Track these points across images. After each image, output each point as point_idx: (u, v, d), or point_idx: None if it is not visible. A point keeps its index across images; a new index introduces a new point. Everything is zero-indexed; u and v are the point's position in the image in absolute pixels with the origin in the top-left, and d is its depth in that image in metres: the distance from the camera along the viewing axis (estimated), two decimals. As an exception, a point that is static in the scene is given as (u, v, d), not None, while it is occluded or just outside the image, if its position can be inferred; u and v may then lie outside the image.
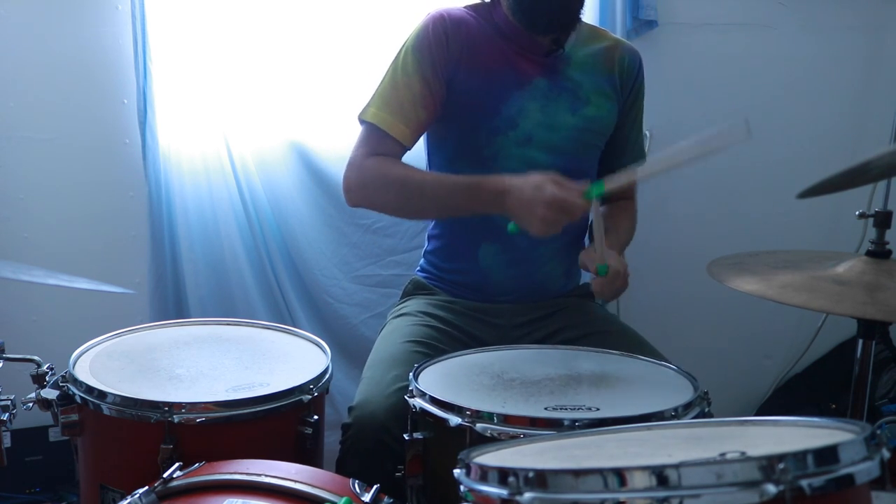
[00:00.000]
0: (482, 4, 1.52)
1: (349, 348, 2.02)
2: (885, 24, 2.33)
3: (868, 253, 1.32)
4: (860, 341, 1.38)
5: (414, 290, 1.62)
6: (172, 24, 1.85)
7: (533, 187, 1.24)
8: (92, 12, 1.85)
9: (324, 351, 1.38)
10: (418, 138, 1.48)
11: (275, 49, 1.94)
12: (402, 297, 1.64)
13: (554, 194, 1.21)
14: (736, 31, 2.25)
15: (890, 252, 1.32)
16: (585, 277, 1.72)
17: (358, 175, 1.42)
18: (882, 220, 1.34)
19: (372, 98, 1.46)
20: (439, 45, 1.43)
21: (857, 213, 1.45)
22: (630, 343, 1.43)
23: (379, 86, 1.46)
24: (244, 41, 1.92)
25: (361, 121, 1.45)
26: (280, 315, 1.98)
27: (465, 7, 1.52)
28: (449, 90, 1.45)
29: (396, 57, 1.46)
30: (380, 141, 1.42)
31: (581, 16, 1.46)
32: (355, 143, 1.45)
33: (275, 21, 1.93)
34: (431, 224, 1.64)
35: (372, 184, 1.41)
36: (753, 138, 2.39)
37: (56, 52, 1.84)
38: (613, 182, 1.25)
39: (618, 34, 1.83)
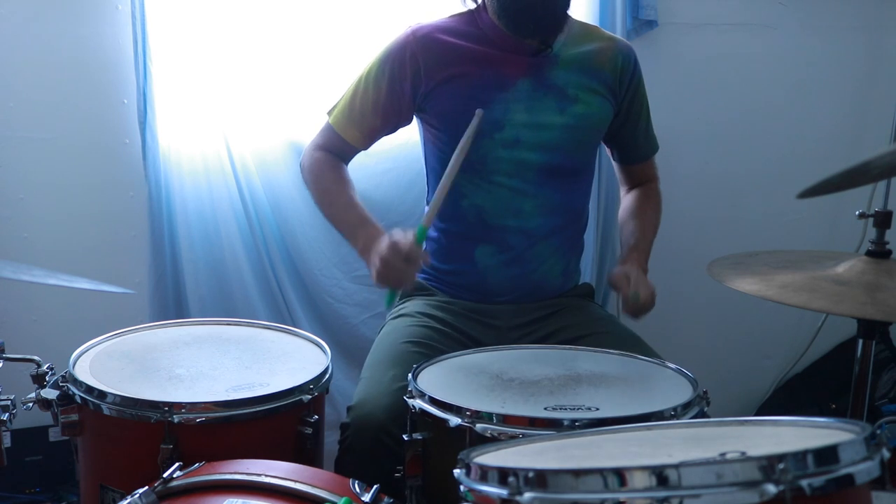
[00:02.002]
0: (467, 11, 1.54)
1: (349, 348, 2.02)
2: (885, 24, 2.33)
3: (868, 253, 1.32)
4: (860, 341, 1.38)
5: (412, 291, 1.62)
6: (172, 24, 1.85)
7: (379, 245, 1.34)
8: (92, 12, 1.85)
9: (324, 351, 1.38)
10: (373, 141, 1.59)
11: (275, 49, 1.94)
12: (400, 298, 1.64)
13: (389, 241, 1.31)
14: (736, 31, 2.25)
15: (890, 252, 1.32)
16: (584, 277, 1.73)
17: (304, 161, 1.61)
18: (882, 220, 1.34)
19: (339, 100, 1.58)
20: (402, 63, 1.49)
21: (857, 213, 1.45)
22: (629, 343, 1.43)
23: (347, 89, 1.56)
24: (244, 42, 1.92)
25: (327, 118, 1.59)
26: (280, 315, 1.98)
27: (449, 16, 1.53)
28: (427, 102, 1.50)
29: (365, 67, 1.54)
30: (332, 140, 1.58)
31: (567, 17, 1.46)
32: (319, 129, 1.61)
33: (275, 22, 1.93)
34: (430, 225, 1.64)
35: (308, 175, 1.59)
36: (753, 138, 2.39)
37: (56, 52, 1.84)
38: None
39: (618, 34, 1.84)
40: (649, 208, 1.65)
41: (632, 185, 1.71)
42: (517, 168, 1.49)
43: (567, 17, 1.48)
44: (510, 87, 1.48)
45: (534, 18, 1.41)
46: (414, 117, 1.58)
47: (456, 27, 1.52)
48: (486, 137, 1.47)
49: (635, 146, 1.65)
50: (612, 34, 1.63)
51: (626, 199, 1.70)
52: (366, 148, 1.59)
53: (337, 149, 1.58)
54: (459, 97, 1.48)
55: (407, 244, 1.30)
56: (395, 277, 1.34)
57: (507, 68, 1.48)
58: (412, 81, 1.49)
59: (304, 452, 1.22)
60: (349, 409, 1.30)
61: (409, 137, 1.90)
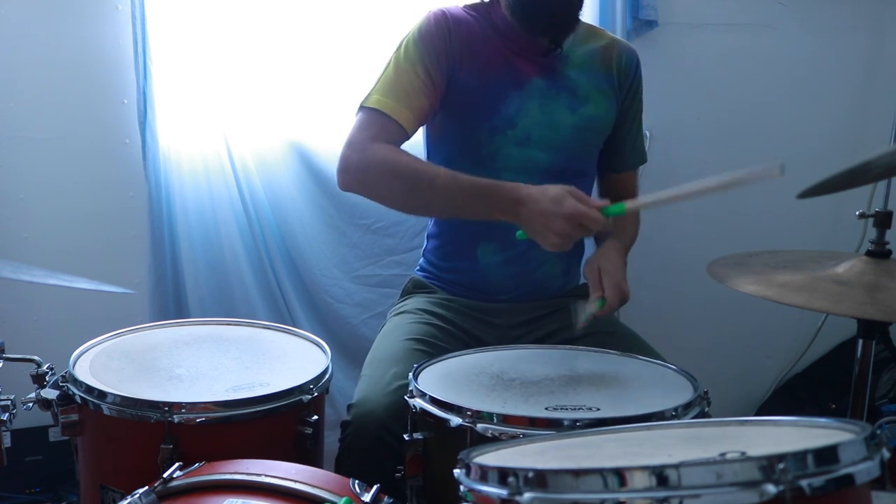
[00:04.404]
0: (481, 4, 1.53)
1: (349, 348, 2.02)
2: (885, 24, 2.33)
3: (868, 253, 1.32)
4: (860, 341, 1.38)
5: (413, 288, 1.62)
6: (172, 24, 1.85)
7: (551, 200, 1.21)
8: (92, 12, 1.85)
9: (324, 351, 1.38)
10: (419, 126, 1.46)
11: (275, 49, 1.94)
12: (401, 296, 1.64)
13: (574, 209, 1.19)
14: (736, 31, 2.25)
15: (890, 252, 1.32)
16: (584, 278, 1.73)
17: (362, 157, 1.36)
18: (882, 220, 1.34)
19: (374, 87, 1.43)
20: (442, 39, 1.44)
21: (857, 213, 1.45)
22: (629, 343, 1.43)
23: (381, 75, 1.45)
24: (244, 41, 1.92)
25: (362, 108, 1.42)
26: (280, 315, 1.98)
27: (463, 7, 1.52)
28: (448, 87, 1.46)
29: (398, 48, 1.45)
30: (383, 126, 1.39)
31: (580, 17, 1.46)
32: (353, 126, 1.41)
33: (275, 21, 1.93)
34: (431, 223, 1.64)
35: (377, 169, 1.35)
36: (753, 138, 2.39)
37: (56, 52, 1.84)
38: (634, 204, 1.25)
39: (618, 34, 1.83)
40: (628, 219, 1.58)
41: (608, 199, 1.66)
42: (525, 166, 1.48)
43: (579, 17, 1.46)
44: (525, 85, 1.47)
45: (547, 16, 1.40)
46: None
47: (474, 18, 1.49)
48: (498, 134, 1.47)
49: (622, 153, 1.61)
50: (615, 35, 1.63)
51: None
52: (412, 134, 1.43)
53: (386, 137, 1.38)
54: (476, 90, 1.46)
55: (592, 222, 1.20)
56: (570, 242, 1.23)
57: (521, 65, 1.48)
58: (447, 60, 1.44)
59: (304, 452, 1.22)
60: (349, 406, 1.30)
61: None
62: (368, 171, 1.36)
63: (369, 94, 1.43)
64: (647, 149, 1.67)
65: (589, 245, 1.96)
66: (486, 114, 1.46)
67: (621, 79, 1.54)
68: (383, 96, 1.41)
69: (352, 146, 1.38)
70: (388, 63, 1.45)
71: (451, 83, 1.45)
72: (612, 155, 1.61)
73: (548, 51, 1.48)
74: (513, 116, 1.47)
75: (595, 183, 1.69)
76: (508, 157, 1.47)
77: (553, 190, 1.22)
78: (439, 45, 1.43)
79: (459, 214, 1.41)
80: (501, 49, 1.48)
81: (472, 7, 1.52)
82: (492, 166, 1.48)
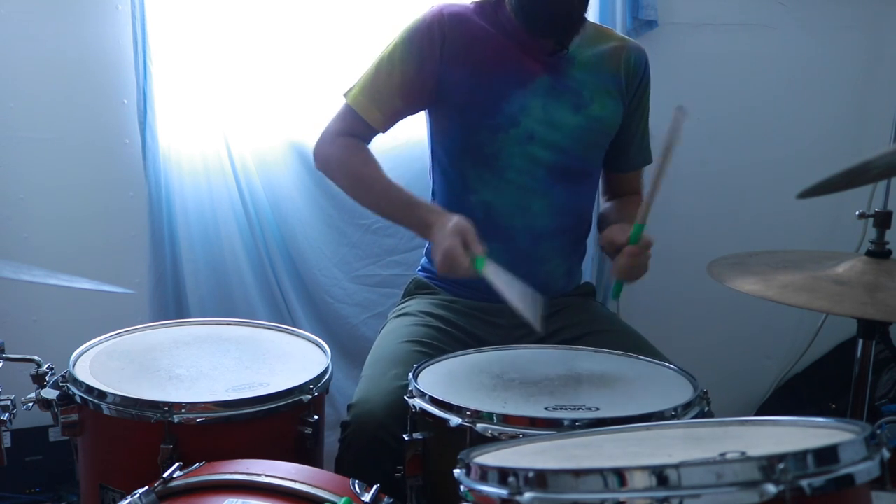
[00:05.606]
0: (487, 2, 1.52)
1: (349, 348, 2.02)
2: (885, 24, 2.33)
3: (868, 253, 1.32)
4: (860, 341, 1.38)
5: (415, 289, 1.62)
6: (172, 24, 1.85)
7: (444, 234, 1.28)
8: (92, 12, 1.85)
9: (324, 351, 1.38)
10: (393, 124, 1.53)
11: (275, 49, 1.94)
12: (403, 297, 1.64)
13: (447, 249, 1.26)
14: (736, 31, 2.25)
15: (890, 252, 1.32)
16: (586, 277, 1.73)
17: (324, 150, 1.52)
18: (882, 220, 1.34)
19: (357, 80, 1.51)
20: (430, 41, 1.45)
21: (857, 213, 1.45)
22: (630, 343, 1.43)
23: (366, 69, 1.51)
24: (244, 41, 1.92)
25: (344, 99, 1.52)
26: (280, 315, 1.98)
27: (471, 3, 1.52)
28: (441, 87, 1.46)
29: (388, 45, 1.49)
30: (353, 122, 1.50)
31: (584, 19, 1.46)
32: (333, 116, 1.53)
33: (275, 21, 1.93)
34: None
35: (333, 163, 1.51)
36: (753, 138, 2.39)
37: (56, 52, 1.84)
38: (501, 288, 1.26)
39: (617, 34, 1.83)
40: (635, 209, 1.61)
41: (612, 196, 1.67)
42: (529, 165, 1.48)
43: (584, 19, 1.46)
44: (529, 84, 1.47)
45: (549, 18, 1.40)
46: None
47: (479, 15, 1.50)
48: (500, 132, 1.47)
49: (627, 153, 1.61)
50: (624, 36, 1.62)
51: (609, 203, 1.67)
52: (385, 131, 1.52)
53: (356, 132, 1.50)
54: (477, 88, 1.46)
55: (459, 266, 1.26)
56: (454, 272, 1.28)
57: (527, 64, 1.48)
58: (431, 62, 1.45)
59: (304, 452, 1.22)
60: (349, 406, 1.30)
61: (408, 137, 1.90)
62: (328, 164, 1.52)
63: (352, 87, 1.51)
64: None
65: (591, 246, 1.96)
66: (488, 112, 1.46)
67: (629, 80, 1.54)
68: (360, 94, 1.50)
69: (322, 137, 1.53)
70: (375, 58, 1.50)
71: (442, 83, 1.46)
72: (617, 155, 1.61)
73: (553, 51, 1.48)
74: (515, 115, 1.47)
75: (601, 182, 1.69)
76: (511, 156, 1.47)
77: (451, 224, 1.29)
78: (426, 46, 1.45)
79: (392, 221, 1.53)
80: (507, 47, 1.48)
81: (479, 4, 1.52)
82: (495, 164, 1.48)
